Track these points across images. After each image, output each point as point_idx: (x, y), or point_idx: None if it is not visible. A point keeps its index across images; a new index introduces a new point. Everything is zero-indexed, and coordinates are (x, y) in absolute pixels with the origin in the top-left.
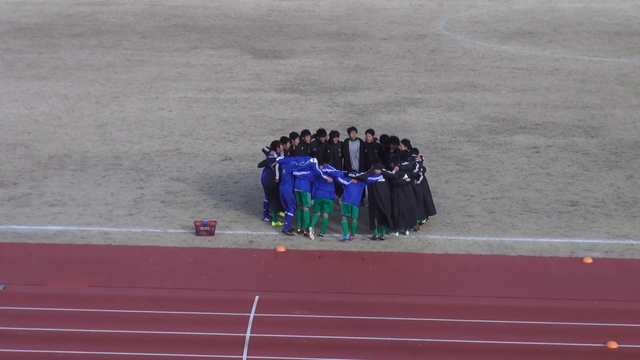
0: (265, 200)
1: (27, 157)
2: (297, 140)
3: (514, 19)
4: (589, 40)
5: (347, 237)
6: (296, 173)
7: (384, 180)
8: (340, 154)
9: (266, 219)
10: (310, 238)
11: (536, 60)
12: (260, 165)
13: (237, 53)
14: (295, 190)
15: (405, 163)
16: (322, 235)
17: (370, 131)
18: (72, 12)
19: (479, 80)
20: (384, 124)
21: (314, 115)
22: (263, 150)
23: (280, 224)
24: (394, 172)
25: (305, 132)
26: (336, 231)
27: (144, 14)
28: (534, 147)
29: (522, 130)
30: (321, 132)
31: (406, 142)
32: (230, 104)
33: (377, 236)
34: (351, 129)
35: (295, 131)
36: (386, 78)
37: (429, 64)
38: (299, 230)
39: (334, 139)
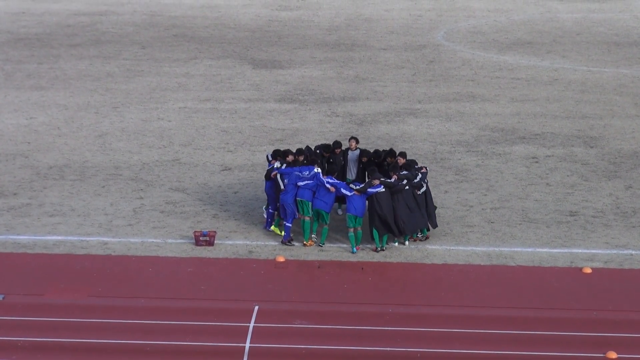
0: (270, 210)
1: (26, 167)
2: (301, 157)
3: (513, 29)
4: (588, 50)
5: (355, 249)
6: (300, 183)
7: (384, 190)
8: (342, 162)
9: (269, 229)
10: (310, 246)
11: (535, 70)
12: (266, 177)
13: (236, 63)
14: (298, 199)
15: (405, 172)
16: (322, 246)
17: (365, 154)
18: (71, 22)
19: (478, 90)
20: (384, 134)
21: (314, 125)
22: (267, 156)
23: (278, 231)
24: (392, 179)
25: (300, 151)
26: (336, 240)
27: (143, 25)
28: (533, 157)
29: (521, 141)
30: (326, 147)
31: (403, 154)
32: (230, 114)
33: (378, 248)
34: (351, 139)
35: (301, 147)
36: (385, 88)
37: (428, 74)
38: (305, 243)
39: (336, 150)
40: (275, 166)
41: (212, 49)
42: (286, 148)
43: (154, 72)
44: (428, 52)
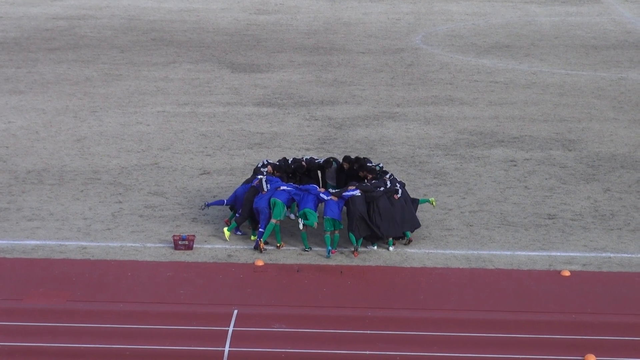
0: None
1: (4, 171)
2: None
3: (491, 32)
4: (566, 53)
5: (330, 250)
6: (284, 188)
7: (360, 194)
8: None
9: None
10: (282, 247)
11: (513, 73)
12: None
13: (215, 67)
14: (273, 198)
15: (374, 181)
16: (307, 249)
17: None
18: (49, 26)
19: (456, 93)
20: (362, 137)
21: (292, 129)
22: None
23: (228, 235)
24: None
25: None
26: (315, 245)
27: (122, 28)
28: (512, 161)
29: (499, 144)
30: (300, 167)
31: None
32: (209, 118)
33: (355, 246)
34: (327, 163)
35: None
36: (364, 92)
37: (406, 77)
38: (277, 245)
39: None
40: (258, 176)
41: (191, 53)
42: (265, 153)
43: (133, 76)
44: (406, 55)
